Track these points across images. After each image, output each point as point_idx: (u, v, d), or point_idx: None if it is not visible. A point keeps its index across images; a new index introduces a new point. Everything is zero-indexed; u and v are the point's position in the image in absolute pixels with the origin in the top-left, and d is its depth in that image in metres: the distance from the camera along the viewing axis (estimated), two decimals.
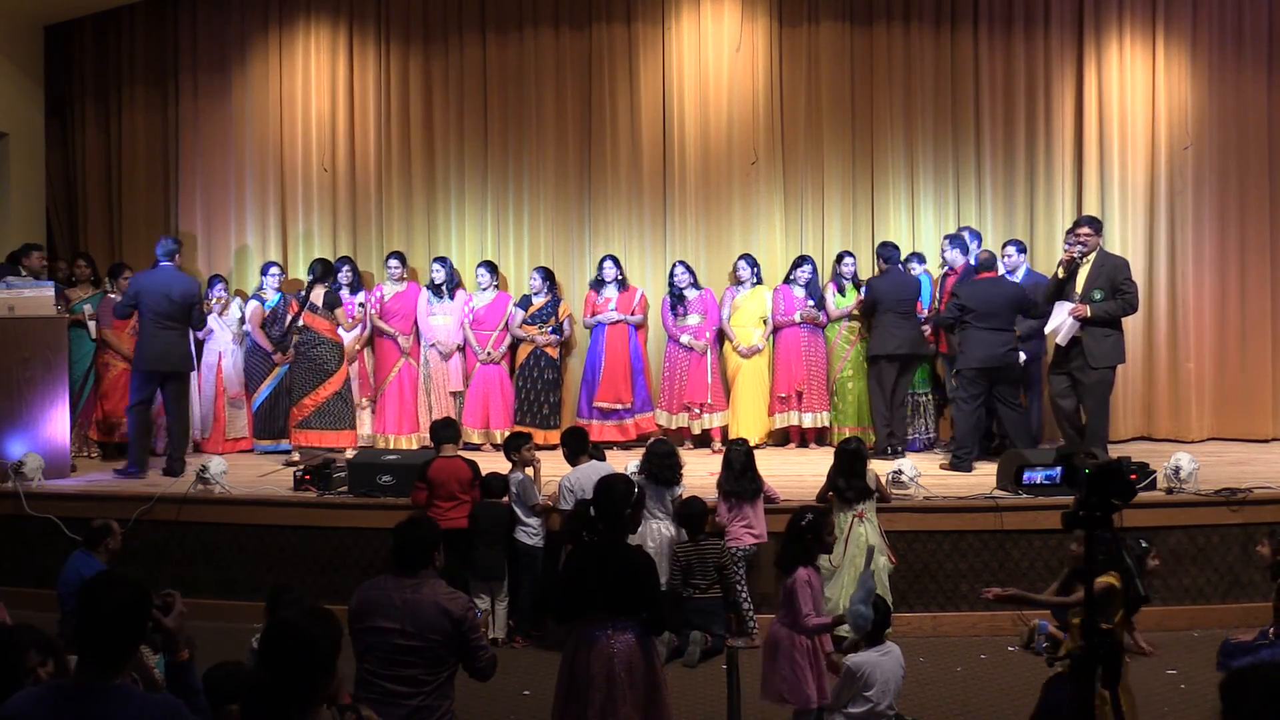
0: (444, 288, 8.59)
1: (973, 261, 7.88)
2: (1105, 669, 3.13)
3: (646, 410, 8.64)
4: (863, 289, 8.33)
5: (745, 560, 6.10)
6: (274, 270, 8.61)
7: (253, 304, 8.52)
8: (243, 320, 8.59)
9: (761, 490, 6.17)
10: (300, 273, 9.07)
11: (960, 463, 7.31)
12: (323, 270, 8.01)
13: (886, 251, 8.27)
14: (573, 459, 6.21)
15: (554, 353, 8.60)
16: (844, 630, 4.65)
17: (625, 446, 8.34)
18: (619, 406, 8.48)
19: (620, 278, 8.63)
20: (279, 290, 8.52)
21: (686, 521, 6.04)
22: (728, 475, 6.13)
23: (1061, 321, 7.04)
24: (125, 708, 2.47)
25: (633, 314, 8.60)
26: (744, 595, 6.06)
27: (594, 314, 8.57)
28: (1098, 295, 6.96)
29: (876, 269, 8.42)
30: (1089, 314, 6.94)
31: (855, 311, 8.39)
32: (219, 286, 8.70)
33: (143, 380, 7.46)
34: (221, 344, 8.57)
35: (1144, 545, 5.80)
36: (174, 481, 7.02)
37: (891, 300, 7.99)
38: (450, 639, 3.59)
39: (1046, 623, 5.93)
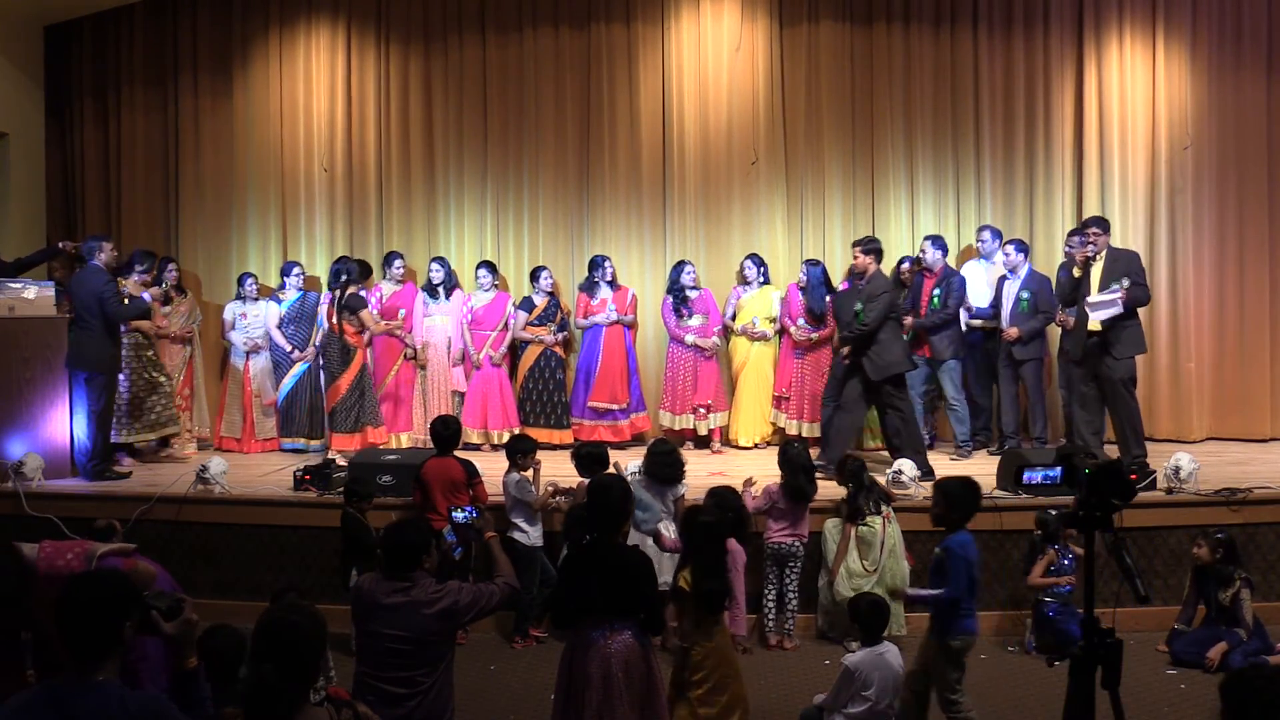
0: (440, 288, 8.59)
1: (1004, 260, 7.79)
2: (1105, 669, 3.13)
3: (641, 410, 8.63)
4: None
5: (789, 558, 6.10)
6: (295, 271, 8.66)
7: (270, 305, 8.59)
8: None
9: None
10: None
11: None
12: (359, 271, 8.25)
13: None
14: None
15: (562, 352, 8.62)
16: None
17: (619, 447, 8.19)
18: (614, 407, 8.46)
19: (612, 278, 8.62)
20: (300, 290, 8.60)
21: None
22: (792, 477, 6.04)
23: (1107, 302, 6.82)
24: (107, 706, 2.45)
25: (626, 314, 8.58)
26: (791, 595, 6.09)
27: (587, 315, 8.53)
28: (1124, 284, 6.83)
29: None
30: (1126, 295, 6.78)
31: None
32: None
33: (72, 381, 7.31)
34: (249, 342, 8.57)
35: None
36: (174, 481, 7.00)
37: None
38: (448, 634, 3.63)
39: None
